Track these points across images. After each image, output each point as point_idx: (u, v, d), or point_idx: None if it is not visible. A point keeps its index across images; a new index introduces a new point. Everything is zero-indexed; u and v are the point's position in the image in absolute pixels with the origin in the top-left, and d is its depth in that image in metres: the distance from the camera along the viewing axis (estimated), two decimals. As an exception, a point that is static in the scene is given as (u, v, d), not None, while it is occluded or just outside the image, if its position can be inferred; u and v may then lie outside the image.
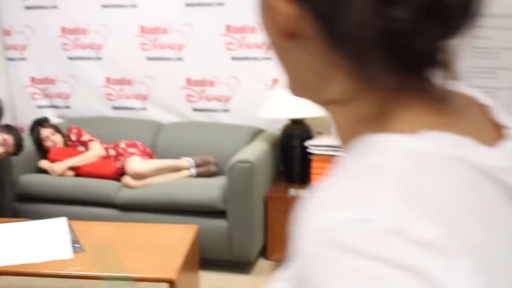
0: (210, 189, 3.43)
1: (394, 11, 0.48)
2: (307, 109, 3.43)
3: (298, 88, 0.60)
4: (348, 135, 0.56)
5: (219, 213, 3.41)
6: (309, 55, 0.55)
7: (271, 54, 0.61)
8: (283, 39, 0.56)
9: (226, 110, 4.16)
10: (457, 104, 0.54)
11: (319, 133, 3.86)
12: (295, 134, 3.68)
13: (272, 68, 3.93)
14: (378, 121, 0.53)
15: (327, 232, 0.44)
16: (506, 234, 0.48)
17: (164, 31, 4.16)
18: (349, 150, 0.54)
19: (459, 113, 0.54)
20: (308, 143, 3.57)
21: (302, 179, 3.67)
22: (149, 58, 4.21)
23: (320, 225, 0.45)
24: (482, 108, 0.59)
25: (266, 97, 3.77)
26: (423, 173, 0.46)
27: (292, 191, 3.55)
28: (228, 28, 4.04)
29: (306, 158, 3.58)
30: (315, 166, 3.51)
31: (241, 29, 4.01)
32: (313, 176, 3.53)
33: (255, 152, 3.46)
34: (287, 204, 3.56)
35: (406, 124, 0.51)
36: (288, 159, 3.71)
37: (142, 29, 4.19)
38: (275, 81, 3.96)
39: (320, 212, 0.46)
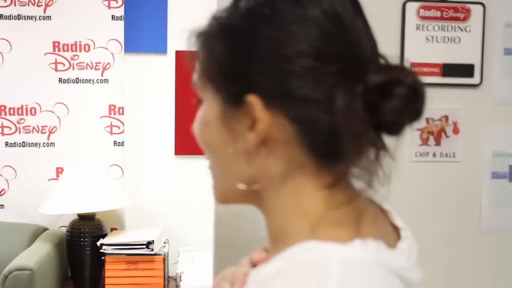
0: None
1: (386, 104, 0.62)
2: (97, 202, 3.00)
3: (232, 193, 0.72)
4: (282, 231, 0.69)
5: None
6: (276, 158, 0.66)
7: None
8: (257, 146, 0.66)
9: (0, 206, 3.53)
10: (374, 210, 0.72)
11: (114, 229, 3.41)
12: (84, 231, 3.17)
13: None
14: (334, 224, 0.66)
15: None
16: None
17: None
18: (284, 251, 0.64)
19: (375, 219, 0.70)
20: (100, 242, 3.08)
21: (93, 285, 3.16)
22: None
23: None
24: (384, 213, 0.75)
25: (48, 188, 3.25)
26: (357, 278, 0.61)
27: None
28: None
29: (98, 260, 3.08)
30: (108, 268, 3.02)
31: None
32: (106, 281, 3.03)
33: (35, 256, 2.90)
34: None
35: (342, 231, 0.65)
36: (77, 261, 3.17)
37: None
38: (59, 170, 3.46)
39: None
